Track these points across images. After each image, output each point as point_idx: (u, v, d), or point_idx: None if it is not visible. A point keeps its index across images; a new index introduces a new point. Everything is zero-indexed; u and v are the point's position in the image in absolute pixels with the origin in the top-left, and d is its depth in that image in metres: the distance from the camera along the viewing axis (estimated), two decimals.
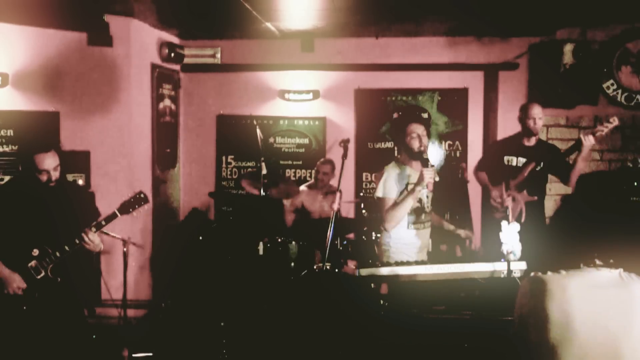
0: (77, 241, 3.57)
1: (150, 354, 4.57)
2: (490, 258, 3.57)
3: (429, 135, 4.03)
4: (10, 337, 3.53)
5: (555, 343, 2.08)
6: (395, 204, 3.91)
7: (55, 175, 3.57)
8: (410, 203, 3.87)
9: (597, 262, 2.17)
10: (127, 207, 3.66)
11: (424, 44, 6.56)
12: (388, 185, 3.97)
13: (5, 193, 3.80)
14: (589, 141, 4.56)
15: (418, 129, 3.97)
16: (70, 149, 5.52)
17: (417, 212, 4.02)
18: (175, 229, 6.45)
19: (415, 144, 3.95)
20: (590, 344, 2.06)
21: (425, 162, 3.87)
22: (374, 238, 4.85)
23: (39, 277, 3.56)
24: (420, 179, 3.82)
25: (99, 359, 4.47)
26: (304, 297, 4.54)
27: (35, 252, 3.55)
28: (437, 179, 4.07)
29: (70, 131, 5.63)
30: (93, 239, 3.59)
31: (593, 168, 6.36)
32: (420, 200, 4.01)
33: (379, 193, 3.99)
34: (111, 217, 3.63)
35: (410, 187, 3.90)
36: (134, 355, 4.55)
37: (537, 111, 4.85)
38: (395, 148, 4.03)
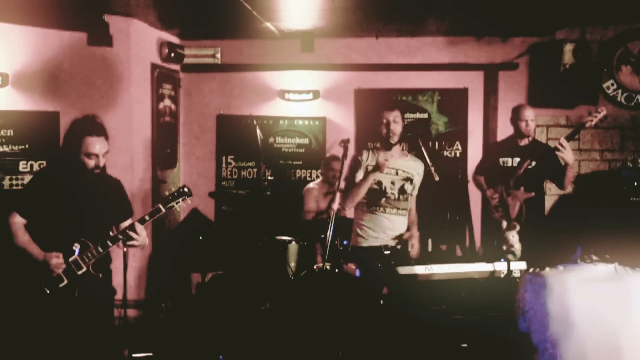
0: (121, 236, 3.44)
1: (150, 354, 4.57)
2: (490, 258, 3.57)
3: (404, 121, 4.20)
4: (45, 333, 3.38)
5: (555, 337, 2.10)
6: (353, 185, 4.12)
7: (103, 161, 3.46)
8: (364, 186, 4.06)
9: (594, 257, 2.20)
10: (170, 202, 3.53)
11: (424, 44, 6.56)
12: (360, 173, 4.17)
13: (43, 180, 3.61)
14: (565, 150, 4.60)
15: (389, 115, 4.12)
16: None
17: (377, 195, 4.15)
18: (175, 229, 6.45)
19: (383, 130, 4.13)
20: (589, 337, 2.08)
21: (388, 146, 4.09)
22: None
23: (80, 272, 3.41)
24: (377, 163, 3.92)
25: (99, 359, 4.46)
26: (304, 297, 4.54)
27: (77, 246, 3.40)
28: (436, 178, 4.09)
29: None
30: (141, 232, 3.46)
31: (593, 168, 6.37)
32: (379, 184, 4.12)
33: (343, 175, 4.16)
34: (155, 212, 3.51)
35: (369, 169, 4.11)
36: (134, 355, 4.55)
37: (528, 113, 4.90)
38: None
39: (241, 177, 6.80)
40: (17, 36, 5.49)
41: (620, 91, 6.29)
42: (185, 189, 3.57)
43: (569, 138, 4.73)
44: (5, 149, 5.49)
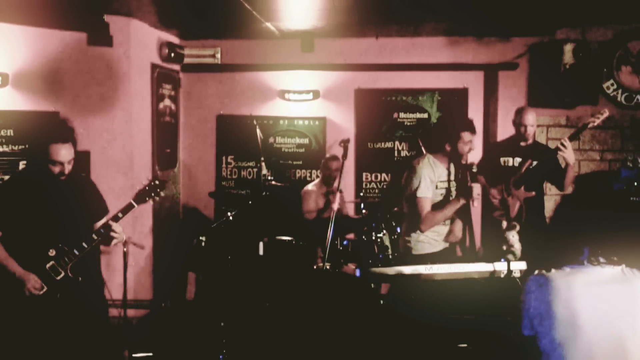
0: (95, 237, 3.42)
1: (150, 354, 4.57)
2: (490, 258, 3.57)
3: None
4: (32, 340, 3.37)
5: (562, 340, 2.09)
6: (436, 209, 4.01)
7: (68, 168, 3.44)
8: (451, 212, 3.99)
9: (601, 259, 2.18)
10: (143, 196, 3.53)
11: (424, 44, 6.56)
12: (424, 184, 4.04)
13: (13, 189, 3.59)
14: (567, 150, 4.62)
15: (472, 137, 4.09)
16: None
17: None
18: (175, 229, 6.45)
19: (465, 150, 4.05)
20: (596, 340, 2.07)
21: (473, 176, 3.98)
22: (374, 238, 4.87)
23: (58, 277, 3.40)
24: (469, 194, 3.88)
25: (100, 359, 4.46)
26: (304, 297, 4.54)
27: (52, 252, 3.40)
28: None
29: None
30: (117, 228, 3.44)
31: (593, 168, 6.37)
32: (449, 191, 4.12)
33: (419, 193, 4.03)
34: (128, 208, 3.49)
35: (451, 190, 4.01)
36: (134, 355, 4.55)
37: (530, 118, 4.90)
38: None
39: (241, 177, 6.80)
40: (17, 36, 5.49)
41: (620, 91, 6.28)
42: (157, 182, 3.56)
43: (571, 139, 4.73)
44: (5, 149, 5.49)
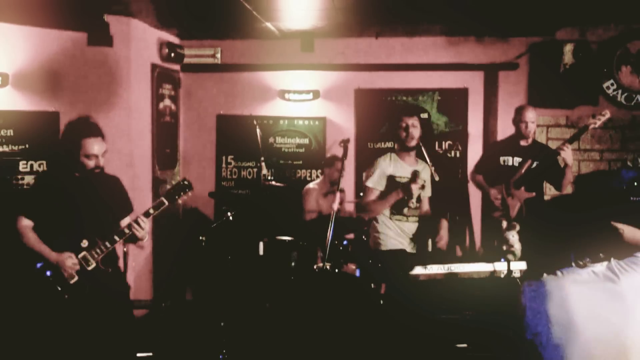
0: (127, 231, 3.51)
1: (150, 354, 4.57)
2: (490, 258, 3.58)
3: (422, 128, 4.26)
4: (61, 331, 3.43)
5: (560, 341, 2.10)
6: (381, 197, 4.16)
7: (102, 161, 3.56)
8: (393, 200, 4.10)
9: (587, 259, 2.21)
10: (173, 195, 3.62)
11: (424, 44, 6.56)
12: (376, 175, 4.26)
13: (45, 183, 3.70)
14: (567, 152, 4.66)
15: (408, 120, 4.23)
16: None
17: (401, 204, 4.21)
18: (175, 229, 6.45)
19: (402, 134, 4.23)
20: (593, 339, 2.08)
21: (405, 149, 4.18)
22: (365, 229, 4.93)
23: (89, 268, 3.48)
24: (413, 181, 3.95)
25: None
26: (304, 297, 4.55)
27: (85, 243, 3.48)
28: (436, 178, 4.11)
29: None
30: (145, 226, 3.53)
31: (593, 168, 6.37)
32: (407, 192, 4.18)
33: (368, 183, 4.25)
34: (159, 205, 3.58)
35: (400, 182, 4.14)
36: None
37: (529, 115, 4.91)
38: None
39: (241, 177, 6.80)
40: (17, 36, 5.49)
41: (620, 91, 6.29)
42: (186, 182, 3.66)
43: (572, 139, 4.75)
44: (5, 149, 5.49)
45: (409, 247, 4.27)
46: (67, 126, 3.64)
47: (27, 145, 5.52)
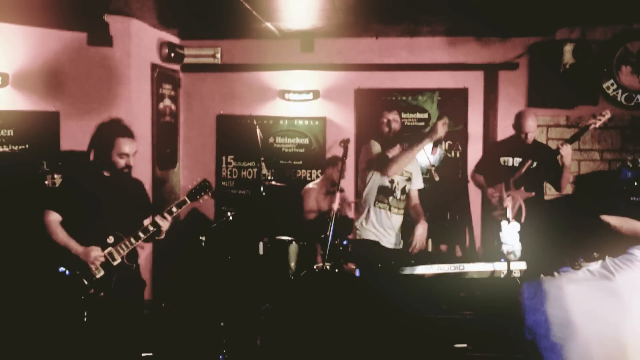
0: (152, 228, 3.64)
1: (150, 354, 4.57)
2: (490, 258, 3.58)
3: (402, 120, 4.57)
4: (84, 325, 3.51)
5: (559, 340, 2.11)
6: (402, 152, 4.24)
7: (132, 161, 3.69)
8: (415, 153, 4.16)
9: (581, 259, 2.22)
10: (194, 195, 3.78)
11: (424, 44, 6.56)
12: (378, 147, 4.37)
13: (75, 179, 3.83)
14: (566, 150, 4.67)
15: (389, 115, 4.43)
16: (70, 149, 5.52)
17: (386, 192, 4.28)
18: (175, 229, 6.44)
19: (384, 129, 4.40)
20: (591, 337, 2.09)
21: (388, 144, 4.32)
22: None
23: (115, 263, 3.59)
24: (434, 131, 4.03)
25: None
26: (304, 297, 4.54)
27: (111, 239, 3.59)
28: (437, 178, 4.12)
29: (70, 131, 5.62)
30: (166, 224, 3.69)
31: (593, 168, 6.37)
32: (392, 182, 4.24)
33: (377, 149, 4.32)
34: (182, 204, 3.74)
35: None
36: None
37: (530, 124, 4.91)
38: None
39: (241, 177, 6.80)
40: (17, 36, 5.49)
41: (620, 91, 6.28)
42: (207, 182, 3.82)
43: (573, 139, 4.76)
44: (5, 149, 5.49)
45: (391, 242, 4.28)
46: (100, 126, 3.75)
47: (27, 145, 5.52)
